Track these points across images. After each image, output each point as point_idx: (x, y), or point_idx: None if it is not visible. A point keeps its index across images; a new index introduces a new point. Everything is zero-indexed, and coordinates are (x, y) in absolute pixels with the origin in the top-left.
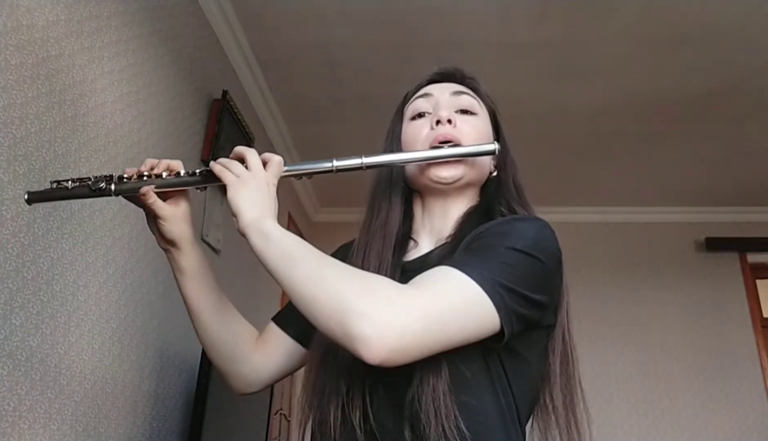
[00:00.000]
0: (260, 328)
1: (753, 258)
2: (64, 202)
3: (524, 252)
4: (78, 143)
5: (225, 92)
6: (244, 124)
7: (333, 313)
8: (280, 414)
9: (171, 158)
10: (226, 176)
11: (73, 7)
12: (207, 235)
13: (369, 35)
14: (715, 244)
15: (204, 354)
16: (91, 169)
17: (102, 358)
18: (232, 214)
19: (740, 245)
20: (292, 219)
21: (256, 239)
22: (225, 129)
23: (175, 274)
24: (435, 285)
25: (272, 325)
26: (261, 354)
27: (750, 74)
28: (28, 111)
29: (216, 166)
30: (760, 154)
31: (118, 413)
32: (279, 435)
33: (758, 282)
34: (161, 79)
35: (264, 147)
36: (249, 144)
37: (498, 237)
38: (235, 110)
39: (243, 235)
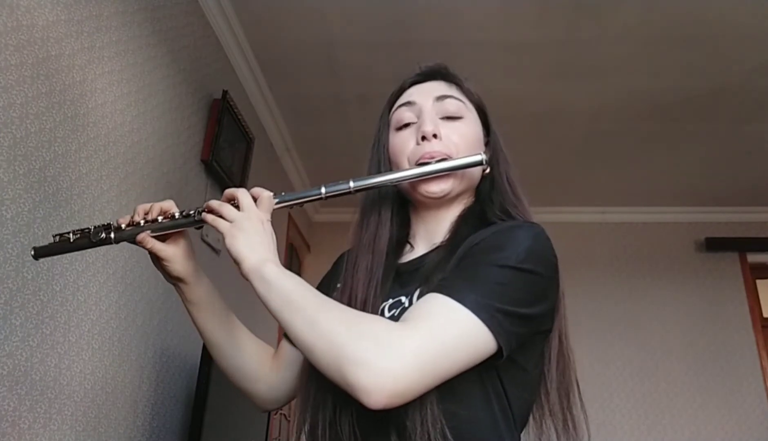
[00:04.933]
0: (260, 329)
1: (753, 258)
2: (63, 203)
3: (518, 268)
4: (78, 143)
5: (225, 92)
6: (244, 124)
7: (331, 361)
8: (280, 414)
9: (171, 158)
10: (220, 225)
11: (73, 7)
12: (207, 235)
13: (369, 35)
14: (715, 244)
15: (204, 354)
16: (92, 168)
17: (102, 358)
18: (234, 261)
19: (740, 245)
20: (292, 219)
21: (258, 285)
22: (225, 129)
23: (186, 306)
24: (429, 319)
25: (285, 342)
26: (277, 372)
27: (750, 74)
28: (28, 111)
29: (208, 217)
30: (760, 154)
31: (118, 413)
32: (279, 435)
33: (758, 282)
34: (161, 79)
35: (264, 147)
36: (249, 144)
37: (491, 252)
38: (235, 110)
39: (246, 279)
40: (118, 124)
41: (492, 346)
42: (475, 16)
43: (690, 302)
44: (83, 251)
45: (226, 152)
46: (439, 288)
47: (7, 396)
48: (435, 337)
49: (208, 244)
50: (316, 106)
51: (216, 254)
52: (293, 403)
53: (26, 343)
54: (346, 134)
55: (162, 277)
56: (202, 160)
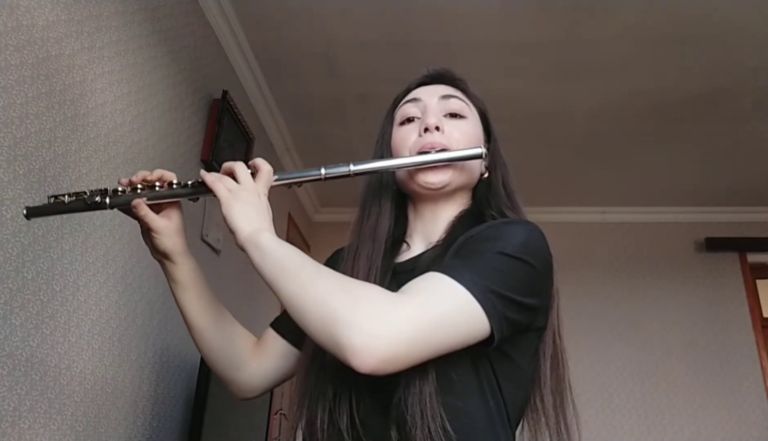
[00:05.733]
0: (260, 328)
1: (753, 258)
2: None
3: (514, 256)
4: (78, 143)
5: (225, 92)
6: (244, 124)
7: (323, 323)
8: (280, 414)
9: (171, 158)
10: (219, 189)
11: (73, 7)
12: (207, 235)
13: (369, 35)
14: (715, 244)
15: None
16: (92, 168)
17: (102, 358)
18: (229, 231)
19: (740, 245)
20: (292, 219)
21: (253, 254)
22: (225, 129)
23: (169, 285)
24: (425, 292)
25: (270, 331)
26: (258, 360)
27: (750, 74)
28: (28, 111)
29: (208, 177)
30: (760, 154)
31: (118, 413)
32: (279, 435)
33: (758, 282)
34: (161, 79)
35: (264, 147)
36: (249, 144)
37: (487, 241)
38: (235, 110)
39: (242, 249)
40: (118, 124)
41: (485, 327)
42: (475, 16)
43: (690, 302)
44: (83, 251)
45: (226, 152)
46: (434, 267)
47: (7, 396)
48: (429, 309)
49: (208, 244)
50: (316, 106)
51: (216, 254)
52: (292, 399)
53: (26, 343)
54: (346, 134)
55: (162, 276)
56: (202, 160)
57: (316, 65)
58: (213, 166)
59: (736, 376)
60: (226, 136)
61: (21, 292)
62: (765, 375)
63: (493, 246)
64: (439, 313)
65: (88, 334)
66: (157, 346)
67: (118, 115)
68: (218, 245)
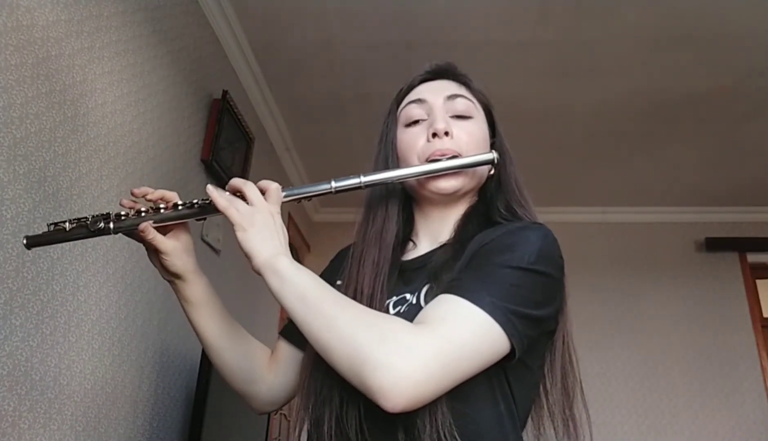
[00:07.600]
0: (260, 328)
1: (753, 258)
2: (63, 203)
3: (530, 270)
4: (78, 143)
5: (225, 92)
6: (244, 124)
7: (349, 362)
8: (280, 414)
9: (171, 158)
10: (232, 214)
11: (73, 7)
12: (207, 235)
13: (369, 35)
14: (715, 244)
15: (204, 354)
16: (92, 168)
17: (102, 358)
18: (245, 255)
19: (740, 245)
20: (292, 219)
21: (271, 280)
22: (225, 129)
23: (182, 305)
24: (446, 322)
25: (281, 341)
26: (275, 372)
27: (750, 74)
28: (28, 111)
29: (219, 202)
30: (760, 154)
31: (118, 413)
32: (279, 435)
33: (758, 282)
34: (161, 79)
35: (264, 147)
36: (249, 144)
37: (502, 253)
38: (235, 110)
39: (258, 273)
40: (118, 124)
41: (506, 347)
42: (475, 16)
43: (690, 302)
44: (83, 251)
45: (226, 152)
46: (452, 289)
47: (7, 396)
48: (454, 341)
49: (208, 244)
50: (316, 106)
51: (216, 254)
52: (294, 400)
53: (26, 343)
54: (346, 134)
55: (162, 277)
56: (202, 160)
57: (316, 65)
58: (213, 166)
59: (736, 376)
60: (226, 136)
61: (21, 292)
62: (765, 375)
63: (509, 259)
64: (463, 343)
65: (88, 334)
66: (157, 346)
67: (118, 115)
68: (218, 245)
